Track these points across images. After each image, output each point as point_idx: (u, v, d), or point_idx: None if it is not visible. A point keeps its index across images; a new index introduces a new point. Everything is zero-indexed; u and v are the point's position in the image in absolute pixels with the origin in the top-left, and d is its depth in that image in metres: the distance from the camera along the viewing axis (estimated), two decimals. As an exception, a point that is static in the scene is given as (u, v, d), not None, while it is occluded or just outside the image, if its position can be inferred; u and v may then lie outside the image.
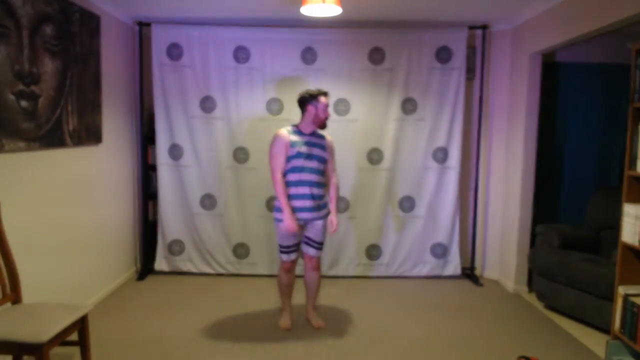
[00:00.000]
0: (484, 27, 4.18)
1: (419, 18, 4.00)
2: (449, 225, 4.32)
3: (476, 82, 4.32)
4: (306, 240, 3.15)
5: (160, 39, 4.14)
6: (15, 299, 2.36)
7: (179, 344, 2.97)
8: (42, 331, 2.04)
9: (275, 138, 3.01)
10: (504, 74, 4.24)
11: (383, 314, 3.52)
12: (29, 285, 2.72)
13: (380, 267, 4.38)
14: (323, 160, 3.07)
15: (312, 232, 3.12)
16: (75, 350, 2.81)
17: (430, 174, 4.27)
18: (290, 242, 3.07)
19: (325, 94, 3.07)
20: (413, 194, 4.31)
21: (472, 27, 4.17)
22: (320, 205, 3.07)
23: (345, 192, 4.31)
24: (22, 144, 2.64)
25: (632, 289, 2.59)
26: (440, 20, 4.05)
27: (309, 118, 3.05)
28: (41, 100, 2.81)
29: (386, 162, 4.26)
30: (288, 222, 2.96)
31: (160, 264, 4.35)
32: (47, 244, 2.97)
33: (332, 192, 3.21)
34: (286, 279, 3.20)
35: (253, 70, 4.19)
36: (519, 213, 3.99)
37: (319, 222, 3.11)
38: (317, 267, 3.21)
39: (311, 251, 3.16)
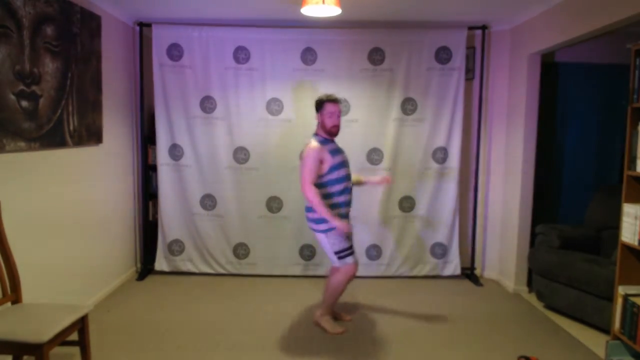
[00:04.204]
0: (484, 28, 4.18)
1: (419, 18, 4.00)
2: (448, 225, 4.32)
3: (476, 83, 4.33)
4: None
5: (160, 39, 4.15)
6: (16, 299, 2.36)
7: (179, 343, 2.97)
8: (42, 331, 2.04)
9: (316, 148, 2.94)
10: (503, 74, 4.25)
11: (382, 314, 3.52)
12: (29, 286, 2.72)
13: (380, 267, 4.38)
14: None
15: None
16: (75, 350, 2.82)
17: (430, 174, 4.28)
18: (350, 242, 3.06)
19: (333, 100, 3.00)
20: (413, 194, 4.32)
21: (471, 28, 4.18)
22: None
23: (345, 192, 4.31)
24: (22, 144, 2.64)
25: (632, 289, 2.59)
26: (439, 20, 4.05)
27: (318, 125, 3.09)
28: (42, 101, 2.82)
29: (386, 162, 4.26)
30: (342, 223, 2.90)
31: (160, 264, 4.35)
32: (47, 244, 2.97)
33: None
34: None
35: (253, 70, 4.20)
36: (519, 213, 4.00)
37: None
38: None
39: None
